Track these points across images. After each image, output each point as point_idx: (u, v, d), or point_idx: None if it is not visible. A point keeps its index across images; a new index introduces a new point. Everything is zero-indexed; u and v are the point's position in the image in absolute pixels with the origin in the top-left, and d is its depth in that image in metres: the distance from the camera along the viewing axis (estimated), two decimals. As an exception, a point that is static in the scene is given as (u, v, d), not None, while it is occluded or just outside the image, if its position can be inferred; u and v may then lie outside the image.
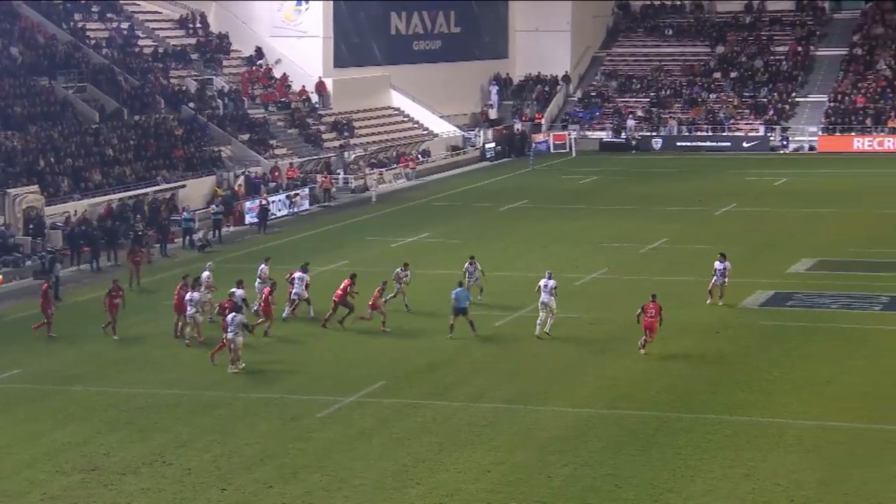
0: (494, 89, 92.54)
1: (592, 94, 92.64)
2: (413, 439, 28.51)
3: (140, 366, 35.29)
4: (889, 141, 79.63)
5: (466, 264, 40.65)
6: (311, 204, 65.29)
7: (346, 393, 32.12)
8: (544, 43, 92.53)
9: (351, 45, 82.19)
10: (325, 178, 68.05)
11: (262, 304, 37.97)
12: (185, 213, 55.81)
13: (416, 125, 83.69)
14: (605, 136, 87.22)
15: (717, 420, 28.99)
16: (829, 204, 59.74)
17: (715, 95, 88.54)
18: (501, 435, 28.69)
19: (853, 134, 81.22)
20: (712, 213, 58.66)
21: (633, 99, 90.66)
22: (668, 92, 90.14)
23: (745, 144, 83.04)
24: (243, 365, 34.29)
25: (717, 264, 39.33)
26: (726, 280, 39.13)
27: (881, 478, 25.14)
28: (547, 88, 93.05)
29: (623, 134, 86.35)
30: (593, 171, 75.57)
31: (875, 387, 31.04)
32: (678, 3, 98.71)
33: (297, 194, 64.26)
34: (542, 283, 36.67)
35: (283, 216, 62.07)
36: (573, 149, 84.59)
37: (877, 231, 52.36)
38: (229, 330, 34.03)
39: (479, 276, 40.70)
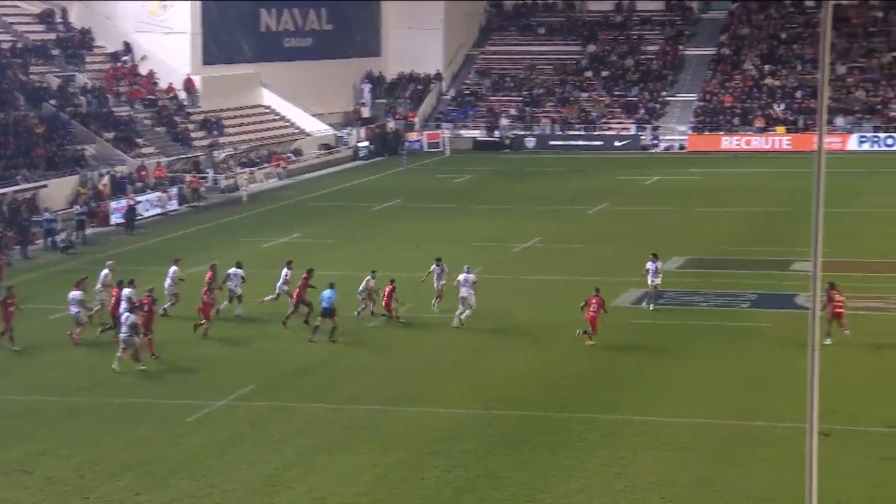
0: (367, 87, 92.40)
1: (466, 92, 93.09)
2: (286, 443, 28.29)
3: (3, 372, 34.42)
4: (756, 140, 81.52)
5: (433, 266, 39.59)
6: (179, 204, 64.39)
7: (217, 396, 31.73)
8: (417, 41, 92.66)
9: (220, 42, 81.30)
10: (194, 177, 67.17)
11: (201, 305, 37.53)
12: (46, 213, 54.58)
13: (287, 124, 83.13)
14: (478, 134, 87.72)
15: (590, 419, 29.31)
16: (699, 203, 60.89)
17: (587, 94, 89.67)
18: (376, 437, 28.62)
19: (721, 133, 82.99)
20: (585, 213, 59.37)
21: (507, 98, 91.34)
22: (540, 91, 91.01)
23: (616, 143, 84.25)
24: (143, 367, 33.82)
25: (650, 264, 39.07)
26: (658, 281, 39.03)
27: (752, 474, 25.67)
28: (420, 87, 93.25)
29: (496, 133, 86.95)
30: (467, 171, 75.94)
31: (745, 384, 31.69)
32: (550, 1, 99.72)
33: (167, 192, 63.35)
34: (460, 277, 37.38)
35: (150, 216, 61.10)
36: (447, 148, 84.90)
37: (745, 229, 53.53)
38: (122, 330, 33.66)
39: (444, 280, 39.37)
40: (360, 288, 38.48)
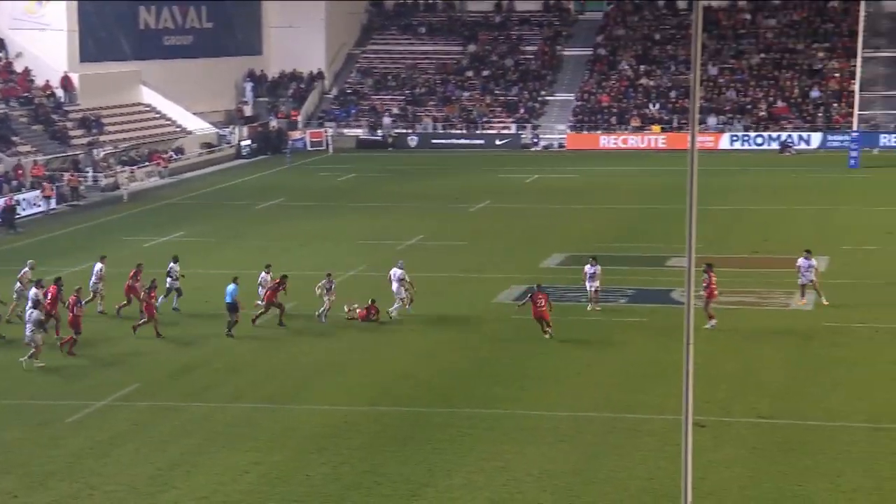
0: (249, 86, 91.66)
1: (348, 91, 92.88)
2: (169, 442, 27.96)
3: None
4: (632, 139, 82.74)
5: (322, 280, 38.64)
6: (58, 203, 63.15)
7: (98, 396, 31.23)
8: (299, 40, 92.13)
9: (98, 40, 79.92)
10: (73, 176, 65.93)
11: (144, 304, 37.04)
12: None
13: (168, 122, 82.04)
14: (361, 133, 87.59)
15: (474, 414, 29.48)
16: (578, 200, 61.59)
17: (468, 94, 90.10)
18: (260, 435, 28.43)
19: (599, 132, 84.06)
20: (467, 210, 59.67)
21: (389, 97, 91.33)
22: (422, 90, 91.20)
23: (497, 142, 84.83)
24: (42, 364, 33.15)
25: (588, 268, 38.84)
26: (597, 284, 38.88)
27: (631, 465, 26.06)
28: (303, 86, 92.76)
29: (379, 131, 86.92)
30: (351, 169, 75.78)
31: (623, 377, 32.15)
32: (430, 1, 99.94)
33: (48, 190, 62.10)
34: (391, 272, 37.84)
35: (29, 215, 59.85)
36: (330, 146, 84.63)
37: (623, 226, 54.29)
38: (26, 327, 33.64)
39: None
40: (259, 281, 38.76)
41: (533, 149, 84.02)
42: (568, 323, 37.12)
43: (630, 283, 42.52)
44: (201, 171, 77.01)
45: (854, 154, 70.93)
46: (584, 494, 24.61)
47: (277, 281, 37.97)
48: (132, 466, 26.50)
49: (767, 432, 27.81)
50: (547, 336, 35.13)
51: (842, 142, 76.98)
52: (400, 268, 38.12)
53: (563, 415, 29.24)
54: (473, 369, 33.35)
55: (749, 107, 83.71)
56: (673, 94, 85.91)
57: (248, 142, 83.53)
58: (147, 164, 73.82)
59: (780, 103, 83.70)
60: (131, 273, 38.97)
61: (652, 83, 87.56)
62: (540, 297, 35.36)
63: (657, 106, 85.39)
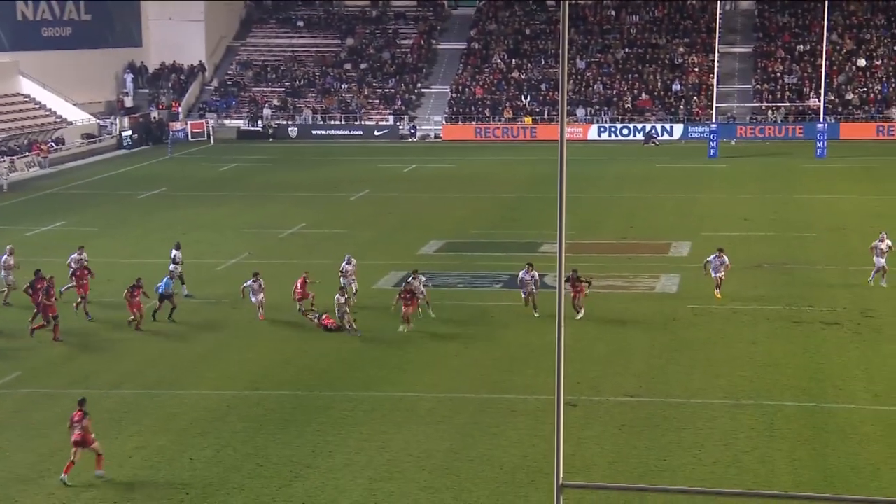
0: (129, 77, 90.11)
1: (229, 83, 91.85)
2: (51, 429, 27.39)
3: None
4: (505, 130, 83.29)
5: (343, 263, 38.17)
6: (-63, 193, 61.35)
7: (-21, 386, 30.47)
8: (178, 32, 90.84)
9: (-24, 31, 77.74)
10: (-47, 166, 64.09)
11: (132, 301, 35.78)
12: None
13: (48, 112, 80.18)
14: (242, 124, 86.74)
15: (354, 396, 29.44)
16: (455, 189, 61.81)
17: (346, 86, 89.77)
18: (143, 420, 28.02)
19: (473, 123, 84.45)
20: (347, 199, 59.48)
21: (269, 88, 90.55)
22: (302, 82, 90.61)
23: (376, 133, 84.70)
24: None
25: (523, 273, 36.60)
26: (535, 290, 36.54)
27: (505, 443, 26.27)
28: (183, 77, 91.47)
29: (260, 122, 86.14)
30: (232, 159, 74.95)
31: (496, 359, 32.38)
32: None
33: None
34: (342, 266, 37.78)
35: None
36: (211, 137, 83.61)
37: (497, 214, 54.64)
38: None
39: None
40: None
41: (410, 139, 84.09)
42: (444, 308, 37.23)
43: (505, 269, 42.81)
44: (82, 161, 75.48)
45: (713, 145, 72.43)
46: (461, 472, 24.75)
47: (302, 279, 36.66)
48: (14, 453, 25.94)
49: (634, 410, 28.28)
50: (401, 328, 34.97)
51: (702, 133, 78.51)
52: (348, 263, 38.02)
53: (439, 396, 29.36)
54: (353, 353, 33.28)
55: (615, 99, 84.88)
56: (543, 86, 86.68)
57: (130, 132, 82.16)
58: (27, 154, 72.07)
59: (644, 96, 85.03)
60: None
61: (523, 76, 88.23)
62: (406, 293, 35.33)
63: (528, 98, 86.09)
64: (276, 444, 26.34)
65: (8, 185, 64.42)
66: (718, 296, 37.60)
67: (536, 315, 35.80)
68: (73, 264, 38.67)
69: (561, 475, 17.13)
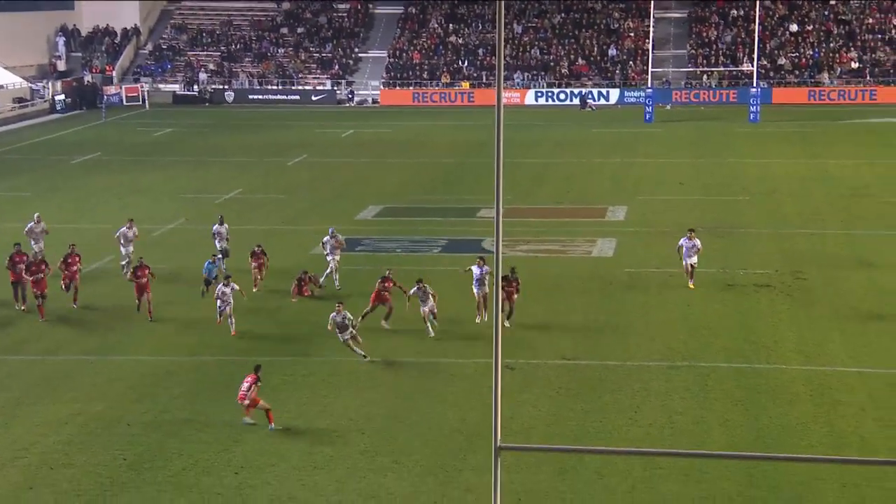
0: (61, 41, 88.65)
1: (164, 47, 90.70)
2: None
3: None
4: (443, 95, 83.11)
5: (326, 237, 36.33)
6: None
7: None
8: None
9: None
10: None
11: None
12: None
13: (-21, 76, 78.76)
14: (177, 89, 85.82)
15: (293, 361, 29.38)
16: (393, 154, 61.65)
17: (283, 50, 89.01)
18: (79, 387, 27.79)
19: (411, 88, 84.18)
20: (285, 164, 59.11)
21: (205, 53, 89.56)
22: (238, 46, 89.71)
23: (313, 98, 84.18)
24: None
25: (475, 268, 32.41)
26: (486, 290, 32.12)
27: (443, 407, 26.37)
28: (117, 41, 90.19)
29: (196, 87, 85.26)
30: (168, 124, 74.16)
31: (437, 323, 32.35)
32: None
33: None
34: (324, 239, 36.20)
35: None
36: (146, 101, 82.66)
37: (436, 179, 54.61)
38: None
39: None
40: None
41: (348, 104, 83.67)
42: (374, 276, 37.14)
43: (443, 234, 42.85)
44: (14, 125, 74.31)
45: (649, 109, 72.78)
46: (400, 436, 24.83)
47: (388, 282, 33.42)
48: (-51, 421, 25.62)
49: (571, 373, 28.50)
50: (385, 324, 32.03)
51: (637, 98, 78.87)
52: (332, 235, 35.84)
53: (378, 360, 29.38)
54: (293, 318, 33.17)
55: (552, 64, 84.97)
56: (480, 51, 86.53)
57: (63, 97, 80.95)
58: (-42, 118, 70.78)
59: (580, 61, 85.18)
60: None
61: (460, 41, 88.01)
62: (388, 282, 32.26)
63: (466, 63, 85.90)
64: (215, 408, 26.25)
65: (-61, 149, 63.33)
66: (692, 286, 34.92)
67: (485, 320, 31.65)
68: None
69: (499, 438, 17.23)
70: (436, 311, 31.33)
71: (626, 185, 51.50)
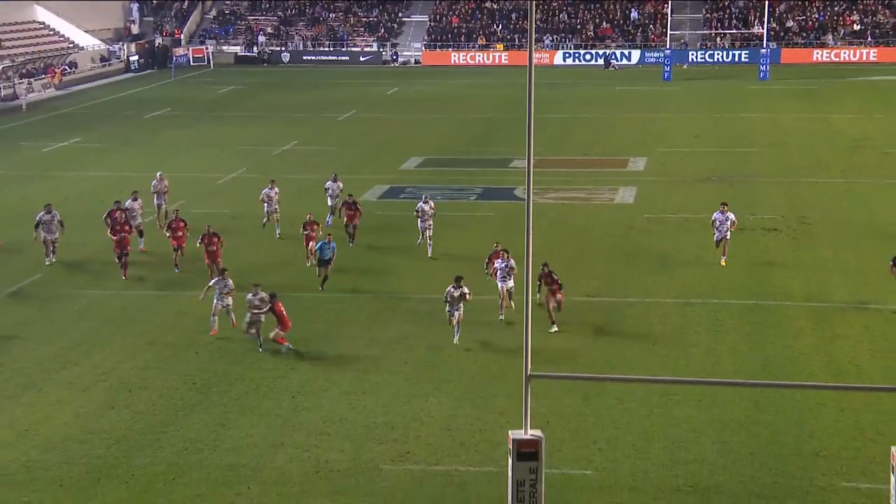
0: (135, 6, 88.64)
1: (226, 12, 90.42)
2: (70, 325, 27.36)
3: None
4: (479, 56, 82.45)
5: (328, 182, 35.40)
6: (-39, 113, 60.50)
7: (6, 284, 30.29)
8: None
9: (-5, -37, 76.09)
10: (-26, 88, 63.12)
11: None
12: None
13: (61, 38, 78.95)
14: (239, 50, 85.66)
15: (342, 298, 29.36)
16: (434, 110, 61.31)
17: (334, 15, 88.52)
18: (153, 319, 27.98)
19: (450, 50, 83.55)
20: (335, 119, 58.94)
21: (263, 17, 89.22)
22: (293, 11, 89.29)
23: (361, 59, 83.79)
24: None
25: (499, 262, 27.95)
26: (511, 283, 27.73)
27: (478, 340, 26.25)
28: (185, 6, 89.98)
29: (255, 48, 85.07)
30: (230, 82, 74.07)
31: (470, 262, 32.17)
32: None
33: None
34: (418, 206, 33.54)
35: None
36: (211, 62, 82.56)
37: (472, 133, 54.30)
38: None
39: (339, 197, 35.47)
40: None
41: (393, 64, 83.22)
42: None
43: (479, 183, 42.69)
44: (93, 83, 74.53)
45: (667, 69, 71.94)
46: (440, 365, 24.79)
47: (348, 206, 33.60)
48: (38, 346, 25.91)
49: (595, 308, 28.40)
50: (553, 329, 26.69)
51: (657, 58, 77.95)
52: (425, 202, 33.02)
53: (420, 297, 29.31)
54: (341, 260, 33.13)
55: (578, 27, 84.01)
56: (513, 16, 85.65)
57: (136, 57, 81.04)
58: (43, 76, 71.03)
59: (604, 24, 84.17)
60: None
61: (495, 6, 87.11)
62: (551, 277, 26.89)
63: (500, 26, 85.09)
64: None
65: (26, 105, 63.57)
66: (723, 263, 31.43)
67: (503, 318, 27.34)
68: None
69: (529, 367, 17.21)
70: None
71: (646, 139, 51.01)
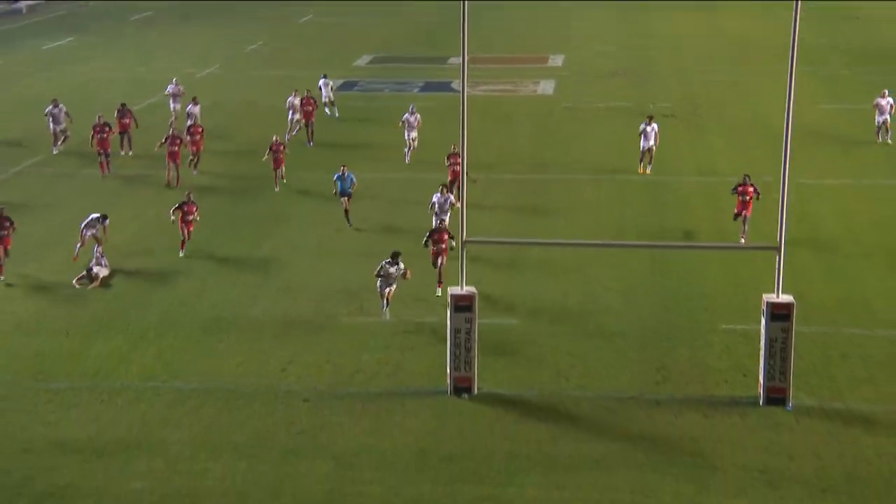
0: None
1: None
2: (71, 202, 26.64)
3: None
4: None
5: (406, 114, 30.28)
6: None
7: (11, 165, 29.41)
8: None
9: None
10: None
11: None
12: None
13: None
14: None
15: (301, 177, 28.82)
16: (381, 14, 59.62)
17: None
18: (141, 193, 27.22)
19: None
20: (296, 21, 57.15)
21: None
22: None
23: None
24: None
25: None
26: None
27: (422, 210, 26.01)
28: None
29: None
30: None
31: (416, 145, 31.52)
32: None
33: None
34: (404, 117, 30.66)
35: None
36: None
37: (415, 34, 53.01)
38: None
39: (330, 101, 33.80)
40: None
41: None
42: (372, 109, 36.43)
43: (422, 76, 41.92)
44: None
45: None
46: (393, 236, 24.55)
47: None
48: (48, 216, 25.29)
49: (521, 185, 28.29)
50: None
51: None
52: (411, 113, 30.25)
53: (373, 177, 28.88)
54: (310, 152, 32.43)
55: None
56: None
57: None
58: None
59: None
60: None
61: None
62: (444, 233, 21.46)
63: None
64: (245, 211, 25.95)
65: (27, 7, 60.90)
66: (640, 171, 28.50)
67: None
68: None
69: (465, 234, 17.15)
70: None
71: (564, 37, 50.22)
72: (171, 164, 27.71)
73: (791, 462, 15.24)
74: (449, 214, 22.72)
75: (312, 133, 31.73)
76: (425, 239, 21.11)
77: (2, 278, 21.85)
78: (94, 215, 22.79)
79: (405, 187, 27.99)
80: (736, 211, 23.72)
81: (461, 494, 14.42)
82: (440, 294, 20.67)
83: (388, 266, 19.70)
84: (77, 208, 26.11)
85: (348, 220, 24.76)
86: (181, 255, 23.11)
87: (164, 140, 27.91)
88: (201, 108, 31.56)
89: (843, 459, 15.30)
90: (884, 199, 26.75)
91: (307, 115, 31.61)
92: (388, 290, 19.83)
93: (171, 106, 33.19)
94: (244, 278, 22.10)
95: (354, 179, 24.89)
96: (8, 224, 22.03)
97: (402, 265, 19.82)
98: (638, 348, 18.95)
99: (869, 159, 30.12)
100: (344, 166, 25.04)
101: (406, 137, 30.20)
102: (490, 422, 16.39)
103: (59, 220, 25.57)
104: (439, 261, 21.13)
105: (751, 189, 23.54)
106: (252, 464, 15.20)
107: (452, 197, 23.03)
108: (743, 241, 23.32)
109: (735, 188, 23.86)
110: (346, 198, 24.72)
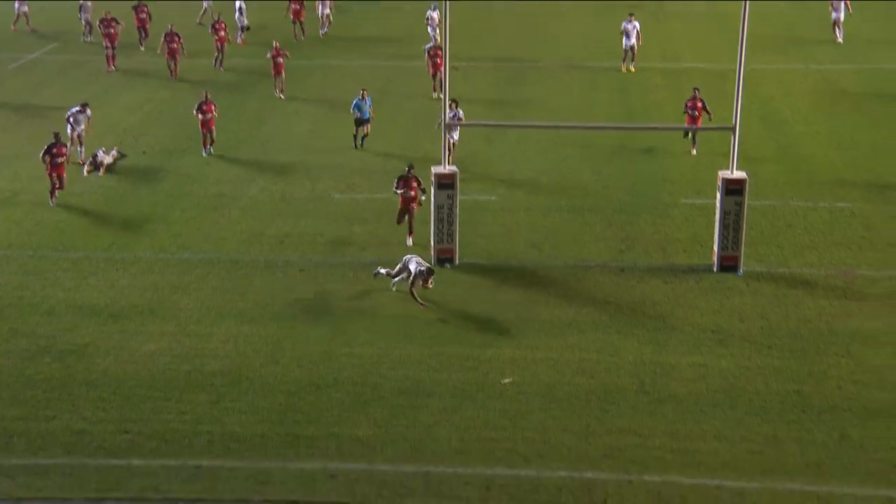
0: None
1: None
2: (85, 84, 25.71)
3: None
4: None
5: (429, 10, 28.71)
6: None
7: (27, 52, 28.14)
8: None
9: None
10: None
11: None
12: None
13: None
14: None
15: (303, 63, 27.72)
16: None
17: None
18: (151, 82, 26.14)
19: None
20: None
21: None
22: None
23: None
24: None
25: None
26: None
27: (407, 105, 25.08)
28: None
29: None
30: None
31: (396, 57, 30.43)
32: None
33: None
34: (427, 14, 28.95)
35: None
36: None
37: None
38: None
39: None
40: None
41: None
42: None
43: None
44: None
45: None
46: (386, 127, 23.72)
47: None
48: (62, 99, 24.31)
49: (500, 70, 27.50)
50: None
51: None
52: (434, 10, 28.36)
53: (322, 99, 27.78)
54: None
55: None
56: None
57: None
58: None
59: None
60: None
61: None
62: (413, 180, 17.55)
63: None
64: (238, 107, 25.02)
65: None
66: (624, 69, 26.87)
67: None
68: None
69: (446, 118, 16.45)
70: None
71: None
72: (171, 60, 26.32)
73: (741, 322, 15.08)
74: (458, 131, 19.90)
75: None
76: (395, 184, 17.35)
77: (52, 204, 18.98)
78: (75, 108, 20.95)
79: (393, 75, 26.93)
80: (686, 124, 20.85)
81: (444, 355, 14.22)
82: (412, 244, 17.17)
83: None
84: (85, 95, 25.10)
85: (360, 142, 21.60)
86: (204, 154, 21.38)
87: (163, 39, 26.51)
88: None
89: (787, 319, 15.16)
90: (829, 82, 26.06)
91: (296, 14, 29.99)
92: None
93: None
94: (240, 158, 21.45)
95: (371, 103, 21.74)
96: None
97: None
98: (605, 221, 18.57)
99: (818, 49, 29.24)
100: (363, 90, 21.85)
101: (430, 33, 28.49)
102: (470, 289, 16.11)
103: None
104: (405, 217, 17.31)
105: (699, 104, 20.84)
106: (254, 327, 14.93)
107: (461, 112, 19.90)
108: (694, 152, 21.17)
109: (685, 105, 21.10)
110: (364, 125, 21.52)
